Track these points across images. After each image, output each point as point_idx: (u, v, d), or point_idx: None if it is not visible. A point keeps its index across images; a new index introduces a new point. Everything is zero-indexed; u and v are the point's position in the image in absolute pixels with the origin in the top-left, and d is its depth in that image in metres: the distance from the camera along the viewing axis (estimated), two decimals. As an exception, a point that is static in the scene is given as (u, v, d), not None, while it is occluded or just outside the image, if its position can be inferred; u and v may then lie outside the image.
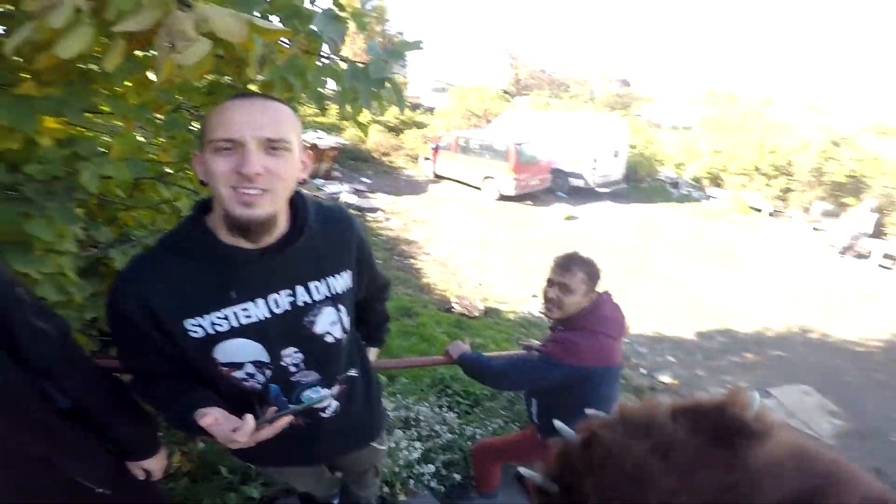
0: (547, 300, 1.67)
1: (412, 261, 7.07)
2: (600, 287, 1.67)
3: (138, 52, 1.04)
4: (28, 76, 1.23)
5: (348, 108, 1.23)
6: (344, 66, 1.11)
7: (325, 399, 0.99)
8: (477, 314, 5.38)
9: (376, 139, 14.21)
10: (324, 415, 1.02)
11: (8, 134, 1.34)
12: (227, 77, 1.29)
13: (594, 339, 1.55)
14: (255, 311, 0.85)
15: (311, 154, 0.89)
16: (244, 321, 0.84)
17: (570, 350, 1.53)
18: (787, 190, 12.79)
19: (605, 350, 1.56)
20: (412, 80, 22.76)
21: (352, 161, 12.93)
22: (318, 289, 0.90)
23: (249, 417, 0.76)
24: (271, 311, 0.86)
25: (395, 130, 15.33)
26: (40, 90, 1.33)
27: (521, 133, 11.88)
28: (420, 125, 16.85)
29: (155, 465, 1.03)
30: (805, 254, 9.71)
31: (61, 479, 0.87)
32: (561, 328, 1.67)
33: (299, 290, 0.88)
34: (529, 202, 11.10)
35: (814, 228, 11.28)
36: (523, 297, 6.39)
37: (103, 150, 1.80)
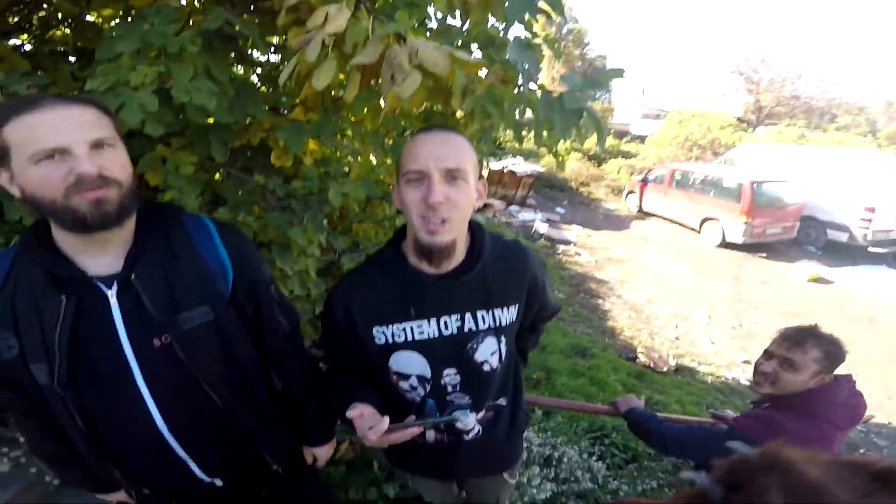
0: (759, 373, 1.44)
1: (600, 301, 6.61)
2: (839, 370, 1.39)
3: (372, 83, 1.22)
4: (297, 104, 1.58)
5: (545, 135, 1.21)
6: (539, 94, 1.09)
7: (460, 421, 1.02)
8: (665, 369, 4.72)
9: (575, 167, 13.88)
10: (466, 437, 1.06)
11: (284, 154, 1.76)
12: (437, 105, 1.42)
13: (812, 426, 1.33)
14: (427, 329, 0.95)
15: (485, 183, 0.95)
16: (417, 336, 0.95)
17: (770, 429, 1.33)
18: None
19: (820, 439, 1.34)
20: (619, 106, 21.59)
21: (548, 189, 12.93)
22: (484, 318, 0.97)
23: (385, 419, 0.83)
24: (440, 332, 0.95)
25: (595, 159, 14.71)
26: (306, 116, 1.72)
27: (763, 169, 9.94)
28: (627, 154, 15.81)
29: (324, 452, 1.19)
30: None
31: (251, 450, 1.03)
32: (767, 405, 1.43)
33: (467, 316, 0.96)
34: (764, 254, 9.16)
35: None
36: (730, 362, 5.31)
37: (346, 169, 2.23)
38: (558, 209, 11.70)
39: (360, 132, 2.07)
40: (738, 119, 17.45)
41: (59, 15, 1.80)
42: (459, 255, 0.94)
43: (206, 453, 0.95)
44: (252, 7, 1.49)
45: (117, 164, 0.76)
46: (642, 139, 17.63)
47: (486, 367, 0.99)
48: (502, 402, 1.08)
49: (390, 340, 0.96)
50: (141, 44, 1.01)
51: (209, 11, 1.12)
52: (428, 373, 0.97)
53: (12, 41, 1.78)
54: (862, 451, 3.92)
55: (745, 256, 8.98)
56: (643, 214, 11.50)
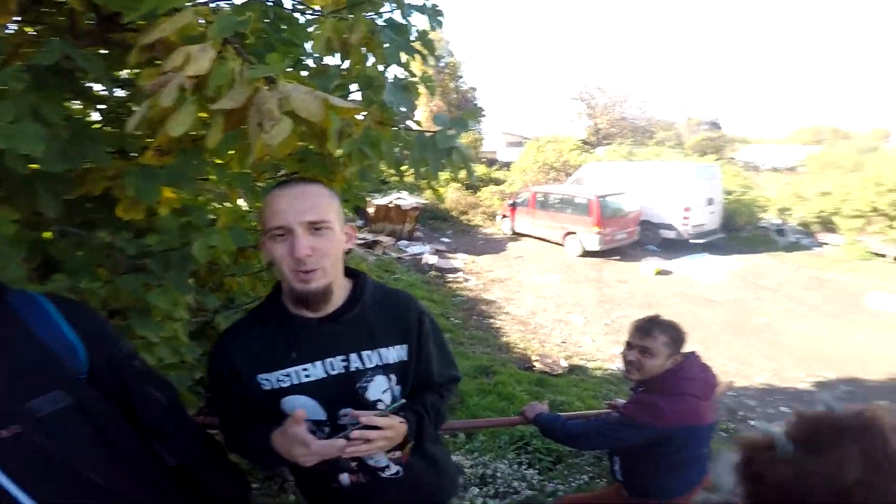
0: (627, 362, 1.69)
1: (491, 320, 6.96)
2: (687, 348, 1.66)
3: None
4: (148, 147, 1.41)
5: (423, 171, 1.27)
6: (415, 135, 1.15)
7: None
8: (560, 371, 5.11)
9: (454, 197, 14.57)
10: (382, 475, 1.05)
11: (133, 205, 1.55)
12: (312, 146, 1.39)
13: (679, 401, 1.55)
14: (314, 371, 0.96)
15: (352, 227, 1.00)
16: (304, 379, 0.96)
17: (651, 412, 1.55)
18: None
19: (690, 410, 1.56)
20: (487, 135, 23.27)
21: (432, 220, 13.37)
22: (370, 357, 0.99)
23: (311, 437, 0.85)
24: (327, 373, 0.97)
25: (471, 188, 15.67)
26: (160, 160, 1.54)
27: (605, 185, 11.59)
28: (497, 181, 17.06)
29: None
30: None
31: None
32: (642, 389, 1.66)
33: (353, 357, 0.98)
34: (617, 257, 10.57)
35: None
36: (612, 355, 5.97)
37: (212, 217, 2.02)
38: (444, 239, 12.14)
39: (227, 175, 1.92)
40: (583, 141, 20.04)
41: None
42: (338, 298, 0.98)
43: None
44: (102, 40, 1.30)
45: None
46: (508, 165, 19.22)
47: (381, 405, 1.00)
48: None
49: (276, 386, 0.96)
50: None
51: (45, 44, 0.96)
52: (322, 415, 0.98)
53: None
54: (738, 412, 4.59)
55: (602, 262, 10.27)
56: (516, 235, 12.50)
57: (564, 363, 5.34)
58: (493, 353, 5.60)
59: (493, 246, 11.80)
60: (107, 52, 1.23)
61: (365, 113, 1.10)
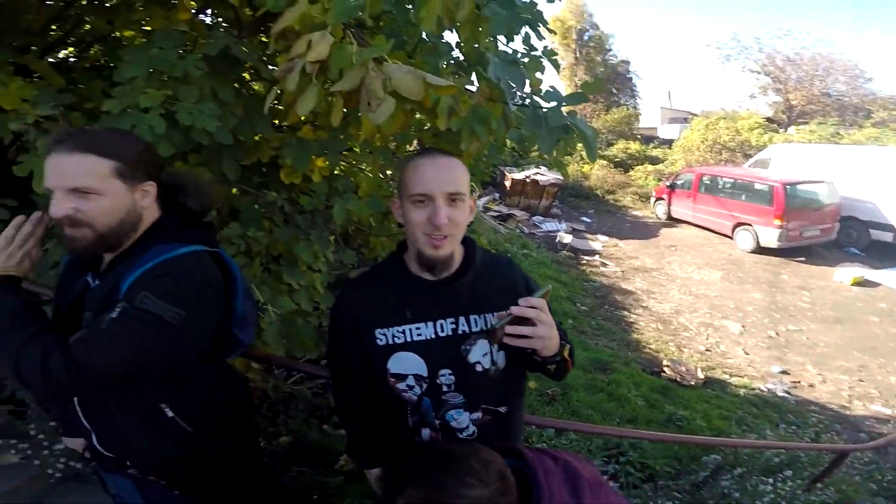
0: None
1: (625, 313, 6.43)
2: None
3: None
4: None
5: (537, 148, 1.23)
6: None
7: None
8: (693, 383, 4.54)
9: (600, 175, 13.63)
10: (460, 434, 1.11)
11: (292, 171, 1.83)
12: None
13: None
14: (425, 331, 1.03)
15: (475, 200, 1.02)
16: (415, 338, 1.03)
17: None
18: None
19: None
20: (645, 111, 21.27)
21: (573, 198, 12.74)
22: (477, 322, 1.04)
23: None
24: (436, 334, 1.03)
25: (622, 166, 14.42)
26: (314, 134, 1.79)
27: (796, 170, 9.57)
28: (654, 160, 15.42)
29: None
30: None
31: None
32: None
33: (461, 319, 1.03)
34: (801, 258, 8.78)
35: None
36: (765, 373, 5.07)
37: (358, 185, 2.27)
38: (584, 218, 11.52)
39: (368, 148, 2.13)
40: (768, 119, 16.82)
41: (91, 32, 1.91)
42: (455, 263, 1.03)
43: None
44: (262, 29, 1.56)
45: (93, 210, 0.88)
46: (669, 144, 17.20)
47: (479, 368, 1.05)
48: (502, 409, 1.11)
49: (390, 342, 1.02)
50: (150, 68, 1.09)
51: (213, 35, 1.20)
52: (425, 371, 1.03)
53: (56, 56, 1.90)
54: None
55: (781, 262, 8.61)
56: (672, 221, 11.21)
57: (701, 374, 4.74)
58: (618, 349, 5.20)
59: (642, 231, 10.79)
60: (266, 40, 1.44)
61: (474, 89, 1.11)
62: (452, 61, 1.31)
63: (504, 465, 0.80)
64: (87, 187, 0.87)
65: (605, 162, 14.01)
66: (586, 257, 8.63)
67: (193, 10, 1.67)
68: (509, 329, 0.89)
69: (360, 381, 1.10)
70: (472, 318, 1.03)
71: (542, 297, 0.92)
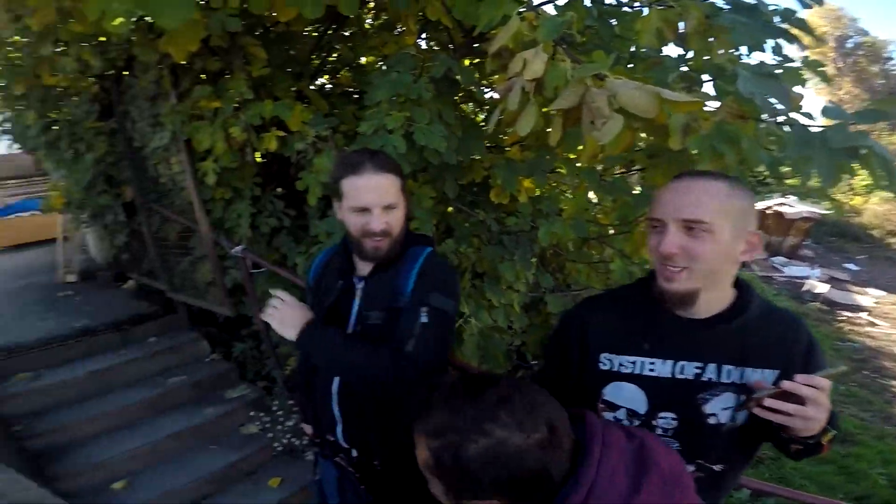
0: None
1: (892, 382, 4.96)
2: None
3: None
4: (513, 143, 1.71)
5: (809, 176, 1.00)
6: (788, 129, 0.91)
7: None
8: None
9: (879, 211, 10.30)
10: None
11: (501, 192, 1.93)
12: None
13: None
14: (661, 367, 0.93)
15: (758, 235, 0.85)
16: (646, 372, 0.94)
17: None
18: None
19: None
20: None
21: (834, 238, 9.97)
22: (731, 374, 0.90)
23: None
24: (672, 374, 0.92)
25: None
26: (521, 154, 1.84)
27: None
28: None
29: None
30: None
31: None
32: None
33: (710, 367, 0.91)
34: None
35: None
36: None
37: (562, 207, 2.25)
38: (849, 265, 8.89)
39: (575, 169, 2.08)
40: None
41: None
42: (714, 305, 0.90)
43: None
44: (473, 48, 1.70)
45: (396, 221, 1.05)
46: None
47: (713, 420, 0.91)
48: (717, 467, 0.95)
49: (615, 368, 0.95)
50: (393, 91, 1.29)
51: (436, 58, 1.35)
52: (643, 409, 0.94)
53: (315, 84, 2.37)
54: None
55: None
56: None
57: None
58: (871, 420, 4.14)
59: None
60: (479, 61, 1.55)
61: (717, 106, 0.95)
62: (677, 75, 1.18)
63: (563, 419, 0.66)
64: (392, 203, 1.06)
65: (886, 194, 10.57)
66: (846, 313, 6.65)
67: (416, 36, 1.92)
68: (769, 402, 0.76)
69: (561, 388, 1.03)
70: (725, 368, 0.90)
71: (830, 377, 0.74)
